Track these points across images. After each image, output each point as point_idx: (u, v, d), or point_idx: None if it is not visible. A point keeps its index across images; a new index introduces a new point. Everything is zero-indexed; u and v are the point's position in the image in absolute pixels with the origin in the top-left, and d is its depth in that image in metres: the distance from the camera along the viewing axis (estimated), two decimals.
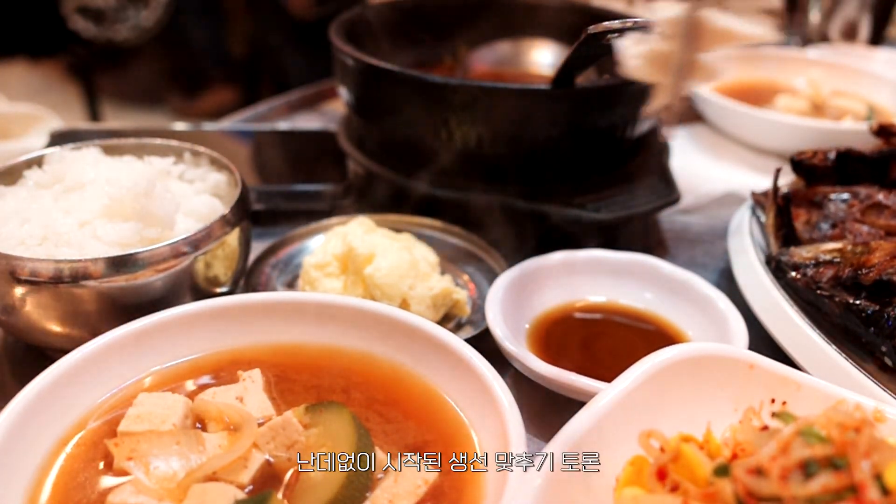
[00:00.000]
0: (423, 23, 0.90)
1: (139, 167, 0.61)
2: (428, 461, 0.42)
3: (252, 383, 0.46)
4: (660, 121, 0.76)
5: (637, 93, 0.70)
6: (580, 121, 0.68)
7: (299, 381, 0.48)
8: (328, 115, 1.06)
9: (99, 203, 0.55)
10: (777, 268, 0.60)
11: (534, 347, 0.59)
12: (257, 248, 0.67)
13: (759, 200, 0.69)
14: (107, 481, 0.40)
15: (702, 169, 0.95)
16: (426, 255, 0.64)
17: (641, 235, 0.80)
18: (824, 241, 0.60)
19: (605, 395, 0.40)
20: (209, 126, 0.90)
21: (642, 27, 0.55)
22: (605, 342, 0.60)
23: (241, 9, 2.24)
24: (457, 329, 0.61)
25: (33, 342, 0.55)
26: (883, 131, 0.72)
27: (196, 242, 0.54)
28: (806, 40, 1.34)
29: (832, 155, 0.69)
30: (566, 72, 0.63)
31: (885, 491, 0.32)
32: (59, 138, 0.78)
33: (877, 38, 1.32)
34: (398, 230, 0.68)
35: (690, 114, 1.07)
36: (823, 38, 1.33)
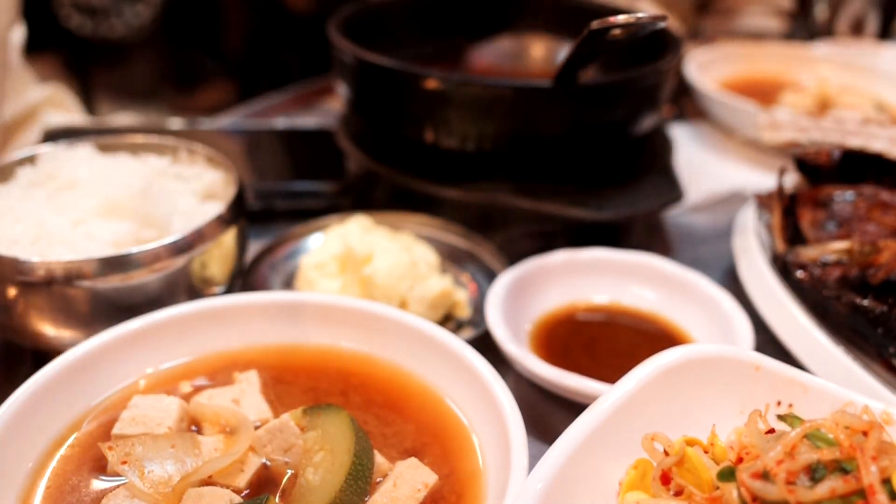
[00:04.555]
0: (423, 18, 0.88)
1: (135, 166, 0.60)
2: (427, 465, 0.41)
3: (248, 385, 0.46)
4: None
5: (641, 90, 0.69)
6: (583, 118, 0.67)
7: (297, 383, 0.47)
8: (326, 112, 1.05)
9: (93, 202, 0.54)
10: (783, 268, 0.59)
11: (535, 349, 0.58)
12: (254, 247, 0.66)
13: (763, 202, 0.68)
14: (101, 485, 0.40)
15: (706, 167, 0.94)
16: (425, 256, 0.63)
17: (645, 235, 0.79)
18: (830, 241, 0.59)
19: (608, 398, 0.40)
20: (206, 124, 0.90)
21: (646, 23, 0.54)
22: (609, 343, 0.60)
23: (237, 4, 2.22)
24: (457, 330, 0.61)
25: (26, 343, 0.54)
26: None
27: (191, 242, 0.53)
28: (812, 34, 1.32)
29: (837, 154, 0.69)
30: (569, 68, 0.62)
31: (894, 496, 0.31)
32: (52, 136, 0.77)
33: (885, 33, 1.30)
34: (397, 229, 0.67)
35: (695, 111, 1.05)
36: (829, 32, 1.31)
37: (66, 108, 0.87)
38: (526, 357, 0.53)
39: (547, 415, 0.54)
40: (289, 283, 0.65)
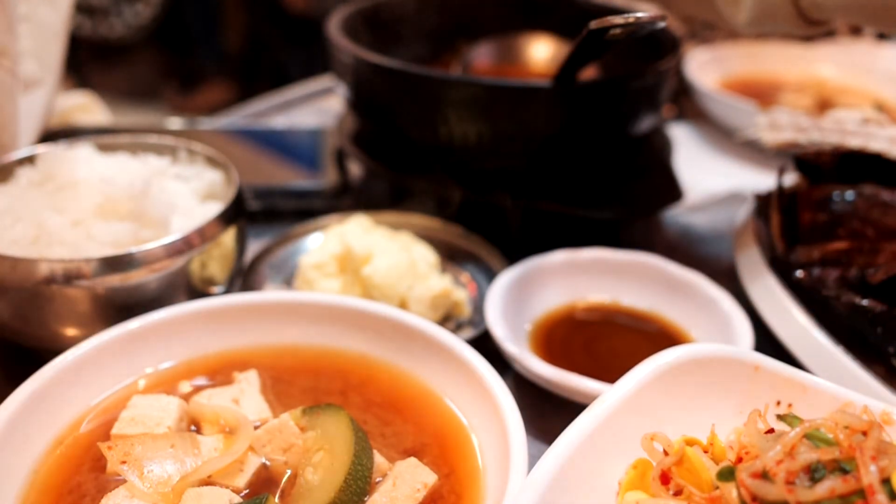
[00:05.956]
0: (422, 17, 0.88)
1: (134, 166, 0.60)
2: (427, 464, 0.41)
3: (248, 385, 0.46)
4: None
5: (641, 90, 0.69)
6: (583, 118, 0.67)
7: (296, 383, 0.47)
8: (326, 111, 1.05)
9: (92, 202, 0.54)
10: (783, 268, 0.59)
11: (535, 348, 0.58)
12: (254, 247, 0.66)
13: (762, 202, 0.68)
14: (100, 485, 0.40)
15: (706, 166, 0.94)
16: (425, 255, 0.63)
17: (644, 234, 0.79)
18: (830, 241, 0.59)
19: (607, 398, 0.40)
20: (205, 123, 0.89)
21: (646, 22, 0.53)
22: (608, 343, 0.60)
23: (236, 3, 2.23)
24: (456, 330, 0.60)
25: (25, 343, 0.54)
26: None
27: (191, 242, 0.53)
28: (812, 34, 1.32)
29: (836, 153, 0.69)
30: (568, 68, 0.62)
31: (893, 495, 0.31)
32: (52, 136, 0.77)
33: (884, 33, 1.30)
34: (397, 229, 0.67)
35: (695, 111, 1.05)
36: (829, 32, 1.31)
37: (95, 115, 0.88)
38: (525, 357, 0.52)
39: (547, 415, 0.53)
40: (288, 283, 0.65)
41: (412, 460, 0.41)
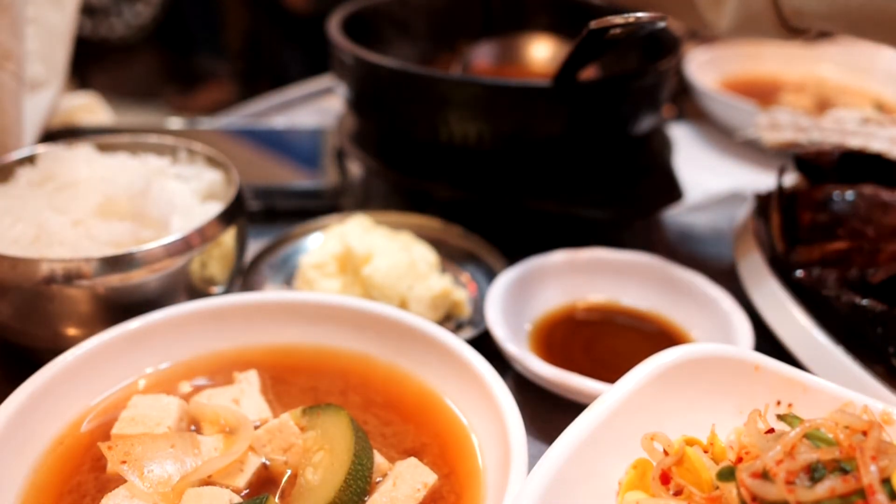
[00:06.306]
0: (423, 18, 0.89)
1: (134, 166, 0.60)
2: (427, 464, 0.41)
3: (248, 385, 0.46)
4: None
5: (641, 90, 0.69)
6: (583, 118, 0.67)
7: (296, 383, 0.47)
8: (326, 111, 1.05)
9: (93, 202, 0.54)
10: (783, 268, 0.59)
11: (535, 348, 0.58)
12: (254, 247, 0.66)
13: (762, 202, 0.68)
14: (100, 485, 0.40)
15: (706, 166, 0.94)
16: (425, 255, 0.63)
17: (644, 234, 0.79)
18: (830, 241, 0.59)
19: (607, 398, 0.40)
20: (205, 123, 0.89)
21: (646, 22, 0.53)
22: (608, 343, 0.60)
23: (237, 3, 2.23)
24: (457, 329, 0.60)
25: (25, 343, 0.54)
26: None
27: (191, 242, 0.53)
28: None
29: (837, 154, 0.69)
30: (568, 68, 0.62)
31: (893, 495, 0.31)
32: (52, 135, 0.77)
33: None
34: (397, 229, 0.67)
35: (695, 111, 1.05)
36: (830, 32, 1.31)
37: (98, 115, 0.89)
38: (525, 357, 0.53)
39: (547, 415, 0.53)
40: (289, 283, 0.65)
41: (412, 460, 0.41)
